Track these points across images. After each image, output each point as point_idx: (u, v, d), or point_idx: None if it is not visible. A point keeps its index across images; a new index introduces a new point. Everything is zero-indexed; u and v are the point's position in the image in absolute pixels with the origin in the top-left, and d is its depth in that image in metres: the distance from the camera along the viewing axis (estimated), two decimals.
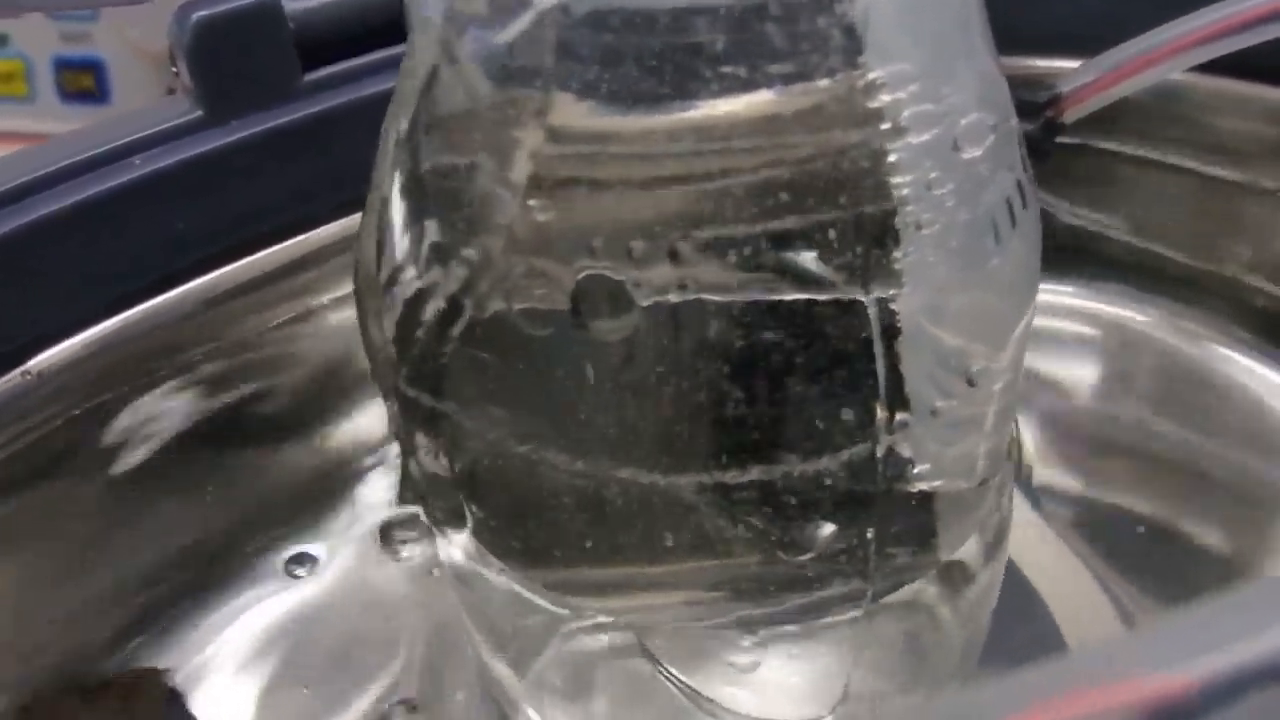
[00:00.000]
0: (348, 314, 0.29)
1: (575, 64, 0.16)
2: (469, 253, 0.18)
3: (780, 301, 0.18)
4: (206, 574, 0.29)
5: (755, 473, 0.17)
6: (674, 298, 0.17)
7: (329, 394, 0.30)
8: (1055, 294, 0.35)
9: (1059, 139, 0.32)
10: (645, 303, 0.17)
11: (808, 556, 0.18)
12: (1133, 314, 0.34)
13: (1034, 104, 0.31)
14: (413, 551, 0.30)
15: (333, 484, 0.30)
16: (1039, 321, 0.36)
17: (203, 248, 0.26)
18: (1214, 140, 0.33)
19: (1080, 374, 0.34)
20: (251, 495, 0.29)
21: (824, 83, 0.17)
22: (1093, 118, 0.31)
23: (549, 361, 0.17)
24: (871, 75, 0.17)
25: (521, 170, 0.17)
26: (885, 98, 0.17)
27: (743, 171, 0.17)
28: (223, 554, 0.30)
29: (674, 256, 0.17)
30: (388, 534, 0.30)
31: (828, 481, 0.18)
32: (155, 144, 0.25)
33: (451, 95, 0.17)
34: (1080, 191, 0.35)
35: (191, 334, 0.27)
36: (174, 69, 0.27)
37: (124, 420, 0.27)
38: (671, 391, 0.17)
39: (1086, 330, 0.35)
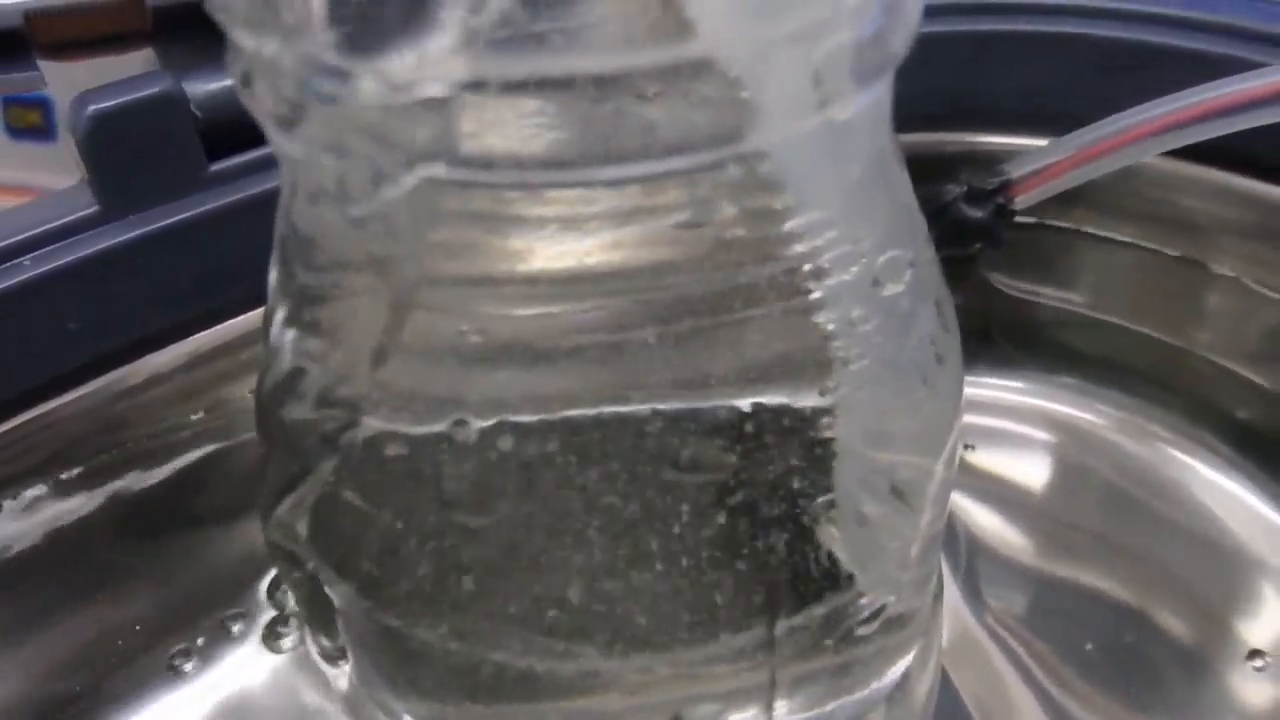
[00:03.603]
0: None
1: (448, 222, 0.15)
2: (336, 393, 0.17)
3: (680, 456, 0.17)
4: (106, 674, 0.28)
5: (638, 659, 0.16)
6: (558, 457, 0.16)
7: (246, 486, 0.29)
8: (1007, 390, 0.34)
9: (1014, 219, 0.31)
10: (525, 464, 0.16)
11: None
12: (1087, 414, 0.33)
13: (984, 190, 0.30)
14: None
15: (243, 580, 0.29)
16: (993, 423, 0.35)
17: (98, 346, 0.25)
18: (1172, 219, 0.32)
19: (1033, 477, 0.33)
20: (149, 594, 0.28)
21: (731, 235, 0.16)
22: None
23: (411, 527, 0.16)
24: (788, 226, 0.16)
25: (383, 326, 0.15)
26: (801, 246, 0.16)
27: (639, 319, 0.16)
28: (125, 653, 0.29)
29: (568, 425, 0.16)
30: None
31: (728, 660, 0.17)
32: (48, 241, 0.24)
33: (311, 227, 0.16)
34: (1037, 270, 0.34)
35: (91, 432, 0.26)
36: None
37: (24, 519, 0.26)
38: (547, 565, 0.16)
39: (1040, 433, 0.34)
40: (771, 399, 0.17)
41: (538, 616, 0.16)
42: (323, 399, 0.16)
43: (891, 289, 0.18)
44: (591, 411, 0.16)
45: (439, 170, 0.13)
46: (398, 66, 0.12)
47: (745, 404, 0.17)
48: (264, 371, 0.18)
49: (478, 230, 0.15)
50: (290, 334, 0.18)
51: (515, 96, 0.12)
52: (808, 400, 0.17)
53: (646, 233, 0.15)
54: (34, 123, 0.54)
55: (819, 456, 0.17)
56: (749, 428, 0.17)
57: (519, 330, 0.16)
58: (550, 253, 0.15)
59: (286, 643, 0.29)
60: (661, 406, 0.17)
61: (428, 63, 0.12)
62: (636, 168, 0.13)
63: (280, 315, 0.18)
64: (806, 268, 0.16)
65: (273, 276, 0.18)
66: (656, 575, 0.17)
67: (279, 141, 0.14)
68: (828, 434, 0.17)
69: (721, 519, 0.17)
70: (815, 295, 0.17)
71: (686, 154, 0.13)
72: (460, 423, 0.16)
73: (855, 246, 0.17)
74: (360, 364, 0.16)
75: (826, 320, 0.17)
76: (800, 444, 0.17)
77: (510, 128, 0.13)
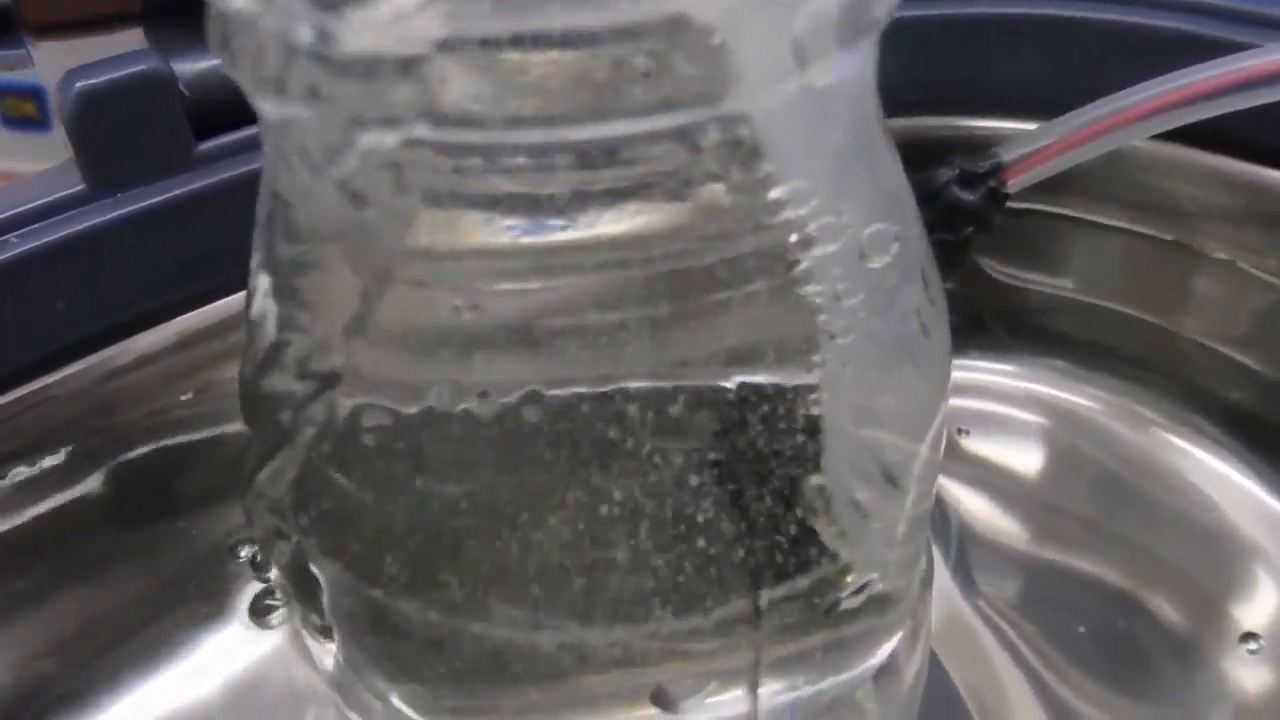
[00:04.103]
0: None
1: (428, 189, 0.15)
2: (316, 362, 0.17)
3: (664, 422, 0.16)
4: (95, 656, 0.28)
5: (621, 631, 0.16)
6: (538, 424, 0.16)
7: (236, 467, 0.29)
8: (998, 374, 0.34)
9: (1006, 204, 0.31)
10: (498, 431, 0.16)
11: (683, 716, 0.17)
12: (1079, 398, 0.33)
13: (976, 173, 0.30)
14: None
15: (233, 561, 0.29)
16: (985, 406, 0.35)
17: (84, 327, 0.25)
18: (1162, 204, 0.32)
19: (1024, 461, 0.33)
20: (138, 575, 0.28)
21: (714, 203, 0.16)
22: (1038, 181, 0.30)
23: (393, 499, 0.16)
24: (772, 194, 0.16)
25: (364, 293, 0.15)
26: (785, 214, 0.16)
27: (622, 284, 0.16)
28: (114, 635, 0.29)
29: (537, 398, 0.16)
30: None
31: (711, 634, 0.17)
32: (34, 220, 0.24)
33: (294, 195, 0.16)
34: (1028, 255, 0.34)
35: (78, 413, 0.26)
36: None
37: (11, 500, 0.26)
38: (530, 538, 0.16)
39: (1032, 418, 0.34)
40: (757, 373, 0.17)
41: (519, 587, 0.16)
42: (302, 369, 0.16)
43: (878, 262, 0.18)
44: (575, 388, 0.16)
45: (420, 131, 0.13)
46: (374, 23, 0.12)
47: (730, 378, 0.17)
48: (246, 344, 0.18)
49: (455, 199, 0.15)
50: (271, 306, 0.18)
51: (492, 54, 0.12)
52: (793, 375, 0.17)
53: (627, 202, 0.15)
54: (29, 113, 0.53)
55: (804, 432, 0.17)
56: (733, 402, 0.17)
57: (500, 304, 0.16)
58: (530, 224, 0.15)
59: (275, 619, 0.29)
60: (647, 380, 0.16)
61: (404, 19, 0.12)
62: (614, 127, 0.13)
63: (262, 287, 0.18)
64: (791, 239, 0.16)
65: (256, 248, 0.18)
66: (639, 547, 0.16)
67: (258, 104, 0.14)
68: (813, 410, 0.17)
69: (705, 492, 0.17)
70: (800, 268, 0.16)
71: (666, 113, 0.13)
72: (440, 396, 0.16)
73: (839, 218, 0.17)
74: (339, 334, 0.16)
75: (812, 294, 0.17)
76: (784, 419, 0.17)
77: (488, 86, 0.13)
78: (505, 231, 0.15)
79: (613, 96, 0.13)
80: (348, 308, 0.16)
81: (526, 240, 0.15)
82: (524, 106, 0.13)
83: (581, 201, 0.15)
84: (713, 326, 0.16)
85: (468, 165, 0.14)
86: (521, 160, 0.14)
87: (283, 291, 0.17)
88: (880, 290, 0.18)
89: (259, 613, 0.29)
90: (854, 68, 0.16)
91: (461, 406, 0.16)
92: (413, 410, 0.16)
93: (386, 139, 0.13)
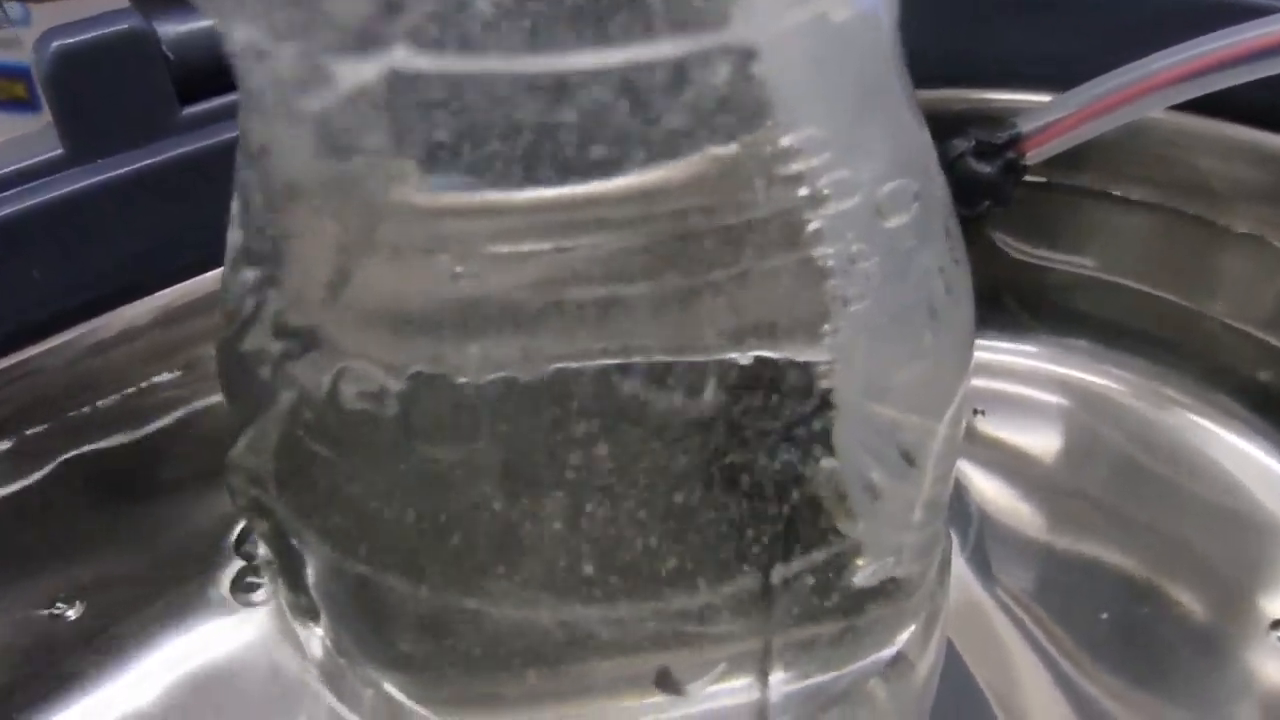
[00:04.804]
0: None
1: (416, 137, 0.14)
2: (295, 325, 0.16)
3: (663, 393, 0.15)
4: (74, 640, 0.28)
5: (625, 610, 0.15)
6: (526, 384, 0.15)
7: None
8: (1017, 354, 0.33)
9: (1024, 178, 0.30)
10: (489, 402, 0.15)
11: (689, 701, 0.16)
12: (1101, 379, 0.32)
13: (993, 145, 0.29)
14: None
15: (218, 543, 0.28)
16: (1002, 386, 0.34)
17: (64, 298, 0.24)
18: (1185, 179, 0.31)
19: (1043, 444, 0.32)
20: (121, 556, 0.27)
21: (719, 152, 0.15)
22: (1057, 154, 0.29)
23: (378, 469, 0.15)
24: (782, 143, 0.15)
25: (346, 250, 0.14)
26: (796, 166, 0.15)
27: (612, 246, 0.15)
28: (94, 617, 0.28)
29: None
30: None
31: (719, 615, 0.16)
32: (10, 185, 0.23)
33: (272, 149, 0.15)
34: (1046, 232, 0.33)
35: (58, 387, 0.25)
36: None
37: None
38: (526, 511, 0.15)
39: (1052, 398, 0.33)
40: (763, 343, 0.16)
41: (516, 563, 0.15)
42: (279, 330, 0.15)
43: (896, 221, 0.17)
44: (577, 355, 0.15)
45: (401, 57, 0.12)
46: None
47: (733, 348, 0.16)
48: (222, 307, 0.17)
49: (441, 145, 0.14)
50: (249, 266, 0.17)
51: None
52: (802, 345, 0.16)
53: (628, 150, 0.14)
54: (18, 94, 0.53)
55: (815, 407, 0.16)
56: (739, 374, 0.16)
57: (496, 269, 0.15)
58: (523, 176, 0.14)
59: (258, 596, 0.28)
60: (649, 348, 0.15)
61: None
62: (613, 54, 0.12)
63: (239, 247, 0.17)
64: (801, 193, 0.15)
65: (234, 208, 0.17)
66: (642, 523, 0.15)
67: (230, 32, 0.13)
68: (826, 383, 0.16)
69: (709, 469, 0.16)
70: (811, 227, 0.15)
71: (669, 38, 0.12)
72: (432, 361, 0.15)
73: (855, 173, 0.16)
74: (319, 294, 0.15)
75: (824, 256, 0.16)
76: (794, 392, 0.16)
77: (475, 7, 0.12)
78: (497, 185, 0.14)
79: (612, 20, 0.12)
80: (328, 264, 0.15)
81: (520, 197, 0.14)
82: (514, 30, 0.12)
83: (579, 151, 0.14)
84: (717, 292, 0.15)
85: (455, 103, 0.13)
86: (509, 92, 0.13)
87: (261, 251, 0.16)
88: (898, 252, 0.17)
89: (243, 590, 0.28)
90: (870, 6, 0.15)
91: (445, 376, 0.15)
92: (402, 374, 0.15)
93: (365, 70, 0.12)
